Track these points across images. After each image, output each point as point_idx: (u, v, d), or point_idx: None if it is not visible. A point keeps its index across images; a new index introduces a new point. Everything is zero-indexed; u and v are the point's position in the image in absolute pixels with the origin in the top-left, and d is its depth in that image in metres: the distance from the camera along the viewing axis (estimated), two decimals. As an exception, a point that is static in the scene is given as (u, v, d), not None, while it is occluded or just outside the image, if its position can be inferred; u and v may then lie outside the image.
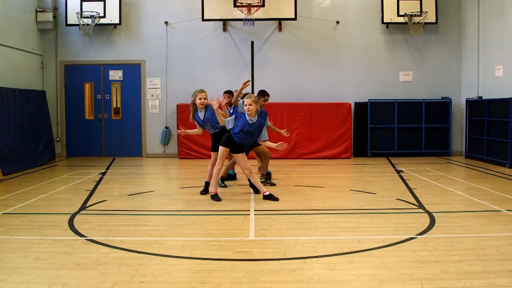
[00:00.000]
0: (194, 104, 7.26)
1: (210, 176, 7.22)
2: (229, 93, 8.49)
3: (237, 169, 8.60)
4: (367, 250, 4.50)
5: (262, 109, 7.98)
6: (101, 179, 9.01)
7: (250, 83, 8.07)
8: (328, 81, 12.64)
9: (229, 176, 8.52)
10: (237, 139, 6.83)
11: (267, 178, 8.22)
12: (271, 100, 8.46)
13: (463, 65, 12.65)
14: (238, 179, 8.60)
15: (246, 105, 6.67)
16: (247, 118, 6.74)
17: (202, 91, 7.27)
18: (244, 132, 6.75)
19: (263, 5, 11.72)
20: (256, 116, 6.82)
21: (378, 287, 3.63)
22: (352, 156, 12.43)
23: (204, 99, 7.22)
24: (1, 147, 9.63)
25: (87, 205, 6.62)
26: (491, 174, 9.43)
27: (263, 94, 8.10)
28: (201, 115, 7.31)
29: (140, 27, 12.64)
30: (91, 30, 12.04)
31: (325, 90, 12.58)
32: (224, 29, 12.53)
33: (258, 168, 9.04)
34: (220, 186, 7.86)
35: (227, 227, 5.40)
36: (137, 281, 3.74)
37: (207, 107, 7.25)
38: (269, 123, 8.06)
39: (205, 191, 7.36)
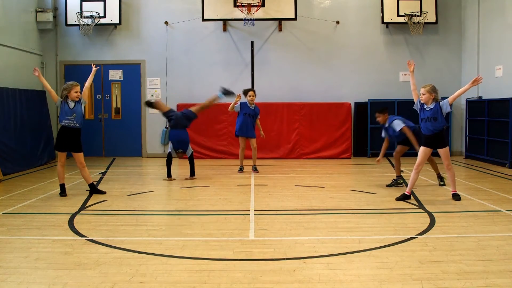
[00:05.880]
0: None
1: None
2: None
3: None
4: (367, 250, 4.50)
5: (255, 105, 9.54)
6: (101, 179, 9.01)
7: (240, 98, 9.44)
8: (328, 81, 12.64)
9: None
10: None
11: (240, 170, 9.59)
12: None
13: (463, 65, 12.65)
14: (239, 177, 8.60)
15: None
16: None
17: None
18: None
19: (263, 5, 11.71)
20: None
21: (378, 287, 3.63)
22: (352, 156, 12.43)
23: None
24: (1, 147, 9.62)
25: (87, 205, 6.62)
26: (491, 174, 9.42)
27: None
28: None
29: (140, 27, 12.64)
30: (91, 30, 12.04)
31: (325, 90, 12.57)
32: (224, 29, 12.52)
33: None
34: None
35: (227, 227, 5.40)
36: (137, 281, 3.74)
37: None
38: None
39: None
